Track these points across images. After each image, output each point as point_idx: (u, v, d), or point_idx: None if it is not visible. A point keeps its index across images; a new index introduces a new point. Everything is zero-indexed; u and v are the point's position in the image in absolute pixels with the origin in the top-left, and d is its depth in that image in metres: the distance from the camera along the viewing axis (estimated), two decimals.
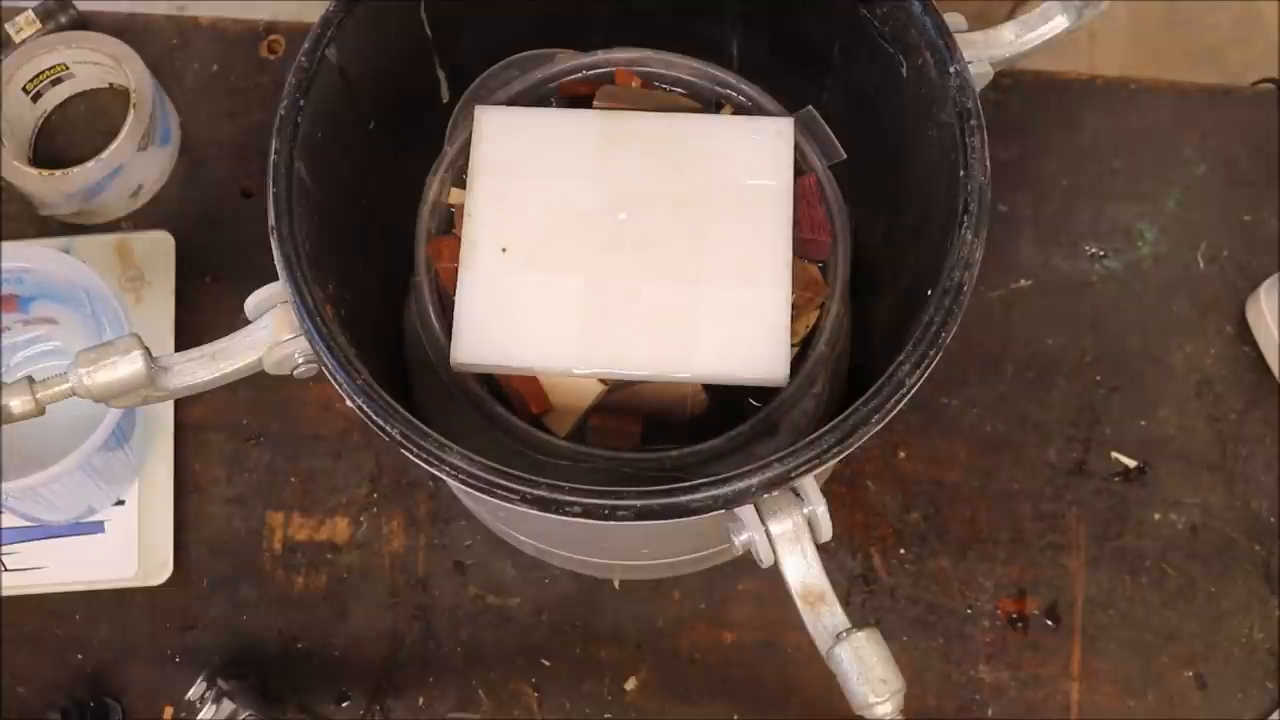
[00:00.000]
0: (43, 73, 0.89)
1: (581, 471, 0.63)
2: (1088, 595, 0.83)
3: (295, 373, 0.59)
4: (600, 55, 0.70)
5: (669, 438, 0.65)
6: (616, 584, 0.83)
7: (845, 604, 0.55)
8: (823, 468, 0.55)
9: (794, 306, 0.65)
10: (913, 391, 0.56)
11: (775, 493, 0.55)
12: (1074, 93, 0.92)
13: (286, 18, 0.93)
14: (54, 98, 0.92)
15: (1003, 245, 0.88)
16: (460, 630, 0.83)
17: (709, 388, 0.65)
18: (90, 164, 0.85)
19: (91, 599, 0.83)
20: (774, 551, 0.55)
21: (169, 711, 0.81)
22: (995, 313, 0.88)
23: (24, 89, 0.89)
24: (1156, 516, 0.84)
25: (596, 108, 0.69)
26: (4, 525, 0.83)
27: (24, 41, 0.89)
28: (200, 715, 0.75)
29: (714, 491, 0.54)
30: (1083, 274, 0.89)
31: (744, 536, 0.55)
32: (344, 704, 0.82)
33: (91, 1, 0.92)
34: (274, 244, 0.58)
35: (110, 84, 0.92)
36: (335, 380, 0.57)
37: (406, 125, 0.70)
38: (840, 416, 0.55)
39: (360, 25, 0.63)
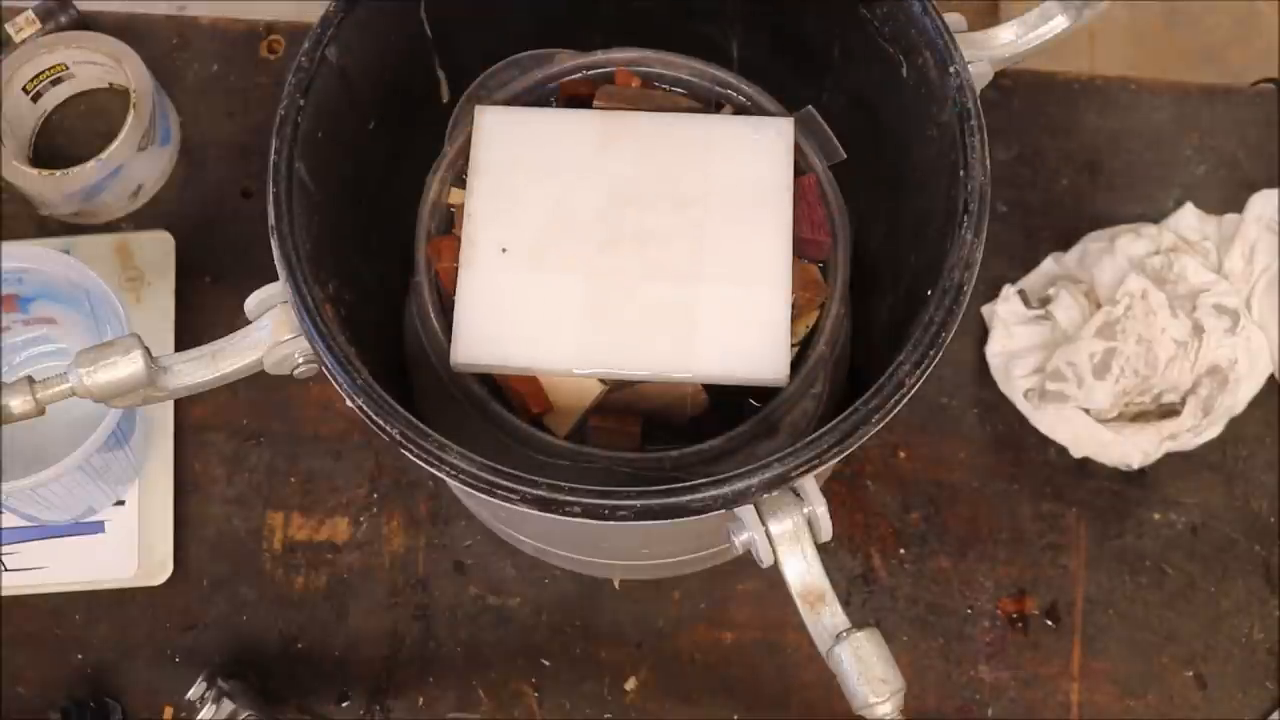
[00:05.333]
0: (43, 73, 0.89)
1: (581, 471, 0.63)
2: (1088, 595, 0.83)
3: (295, 373, 0.59)
4: (600, 55, 0.70)
5: (669, 438, 0.65)
6: (616, 584, 0.83)
7: (845, 604, 0.55)
8: (823, 468, 0.55)
9: (794, 306, 0.65)
10: (913, 391, 0.56)
11: (775, 493, 0.55)
12: (1074, 93, 0.92)
13: (286, 18, 0.93)
14: (54, 98, 0.92)
15: (1003, 245, 0.88)
16: (460, 630, 0.83)
17: (709, 388, 0.65)
18: (90, 164, 0.85)
19: (91, 599, 0.83)
20: (774, 551, 0.55)
21: (169, 711, 0.81)
22: None
23: (24, 89, 0.89)
24: (1156, 516, 0.84)
25: (596, 108, 0.69)
26: (4, 525, 0.83)
27: (24, 41, 0.89)
28: (200, 715, 0.75)
29: (714, 491, 0.54)
30: None
31: (744, 536, 0.55)
32: (344, 704, 0.82)
33: (91, 1, 0.92)
34: (274, 244, 0.58)
35: (110, 84, 0.92)
36: (335, 380, 0.57)
37: (406, 125, 0.70)
38: (840, 416, 0.55)
39: (360, 25, 0.63)
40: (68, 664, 0.82)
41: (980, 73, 0.62)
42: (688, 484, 0.54)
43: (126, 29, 0.91)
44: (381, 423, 0.56)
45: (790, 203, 0.66)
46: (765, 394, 0.65)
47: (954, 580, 0.83)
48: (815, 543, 0.55)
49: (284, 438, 0.86)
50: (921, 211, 0.64)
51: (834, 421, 0.55)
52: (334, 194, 0.63)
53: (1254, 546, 0.84)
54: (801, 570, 0.55)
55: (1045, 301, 0.86)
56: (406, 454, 0.55)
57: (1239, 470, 0.85)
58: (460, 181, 0.68)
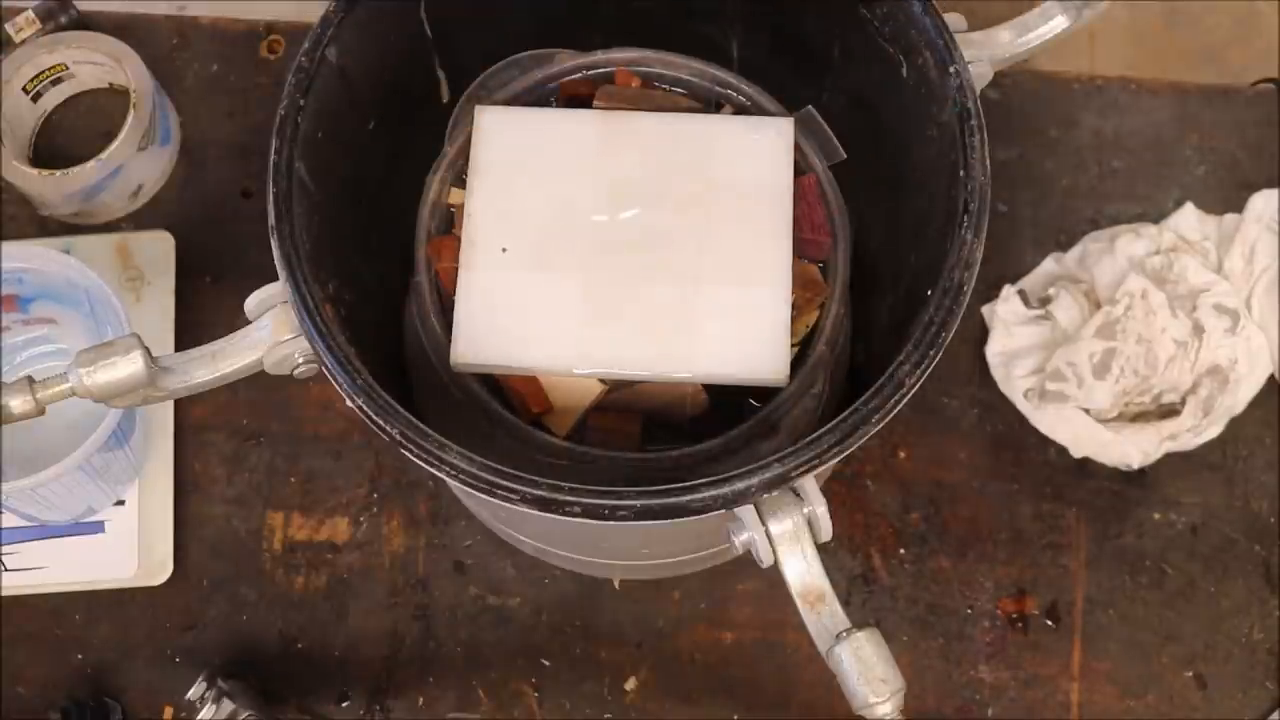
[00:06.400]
0: (43, 73, 0.89)
1: (581, 471, 0.63)
2: (1088, 595, 0.83)
3: (295, 373, 0.59)
4: (600, 55, 0.70)
5: (669, 438, 0.65)
6: (616, 584, 0.83)
7: (845, 604, 0.55)
8: (823, 468, 0.55)
9: (794, 306, 0.65)
10: (913, 391, 0.56)
11: (775, 493, 0.55)
12: (1074, 93, 0.92)
13: (286, 18, 0.93)
14: (54, 98, 0.91)
15: (1003, 245, 0.88)
16: (460, 630, 0.83)
17: (709, 388, 0.65)
18: (90, 164, 0.85)
19: (91, 599, 0.83)
20: (774, 551, 0.55)
21: (169, 711, 0.81)
22: None
23: (24, 89, 0.89)
24: (1156, 516, 0.84)
25: (596, 108, 0.69)
26: (4, 525, 0.83)
27: (24, 41, 0.89)
28: (200, 715, 0.75)
29: (714, 491, 0.54)
30: None
31: (744, 536, 0.55)
32: (344, 704, 0.82)
33: (91, 1, 0.92)
34: (274, 244, 0.58)
35: (110, 84, 0.92)
36: (335, 380, 0.57)
37: (406, 125, 0.70)
38: (840, 416, 0.55)
39: (360, 25, 0.63)
40: (68, 664, 0.82)
41: (980, 73, 0.62)
42: (688, 484, 0.54)
43: (126, 29, 0.91)
44: (381, 423, 0.56)
45: (790, 203, 0.66)
46: (765, 394, 0.65)
47: (954, 580, 0.83)
48: (815, 543, 0.55)
49: (284, 438, 0.86)
50: (921, 211, 0.64)
51: (834, 421, 0.55)
52: (334, 194, 0.63)
53: (1254, 546, 0.84)
54: (801, 570, 0.55)
55: (1045, 301, 0.86)
56: (406, 454, 0.56)
57: (1239, 470, 0.85)
58: (460, 181, 0.68)
